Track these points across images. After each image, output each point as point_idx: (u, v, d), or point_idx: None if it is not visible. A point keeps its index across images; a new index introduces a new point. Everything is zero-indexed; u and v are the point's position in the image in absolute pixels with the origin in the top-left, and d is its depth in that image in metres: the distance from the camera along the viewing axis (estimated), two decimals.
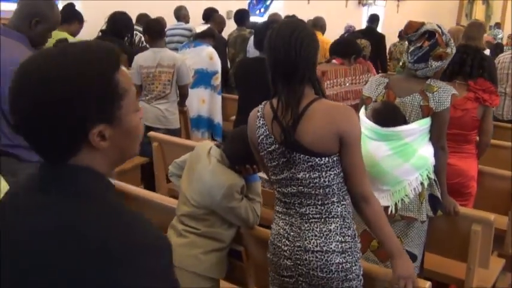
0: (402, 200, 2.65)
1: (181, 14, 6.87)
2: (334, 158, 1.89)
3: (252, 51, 6.29)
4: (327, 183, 1.90)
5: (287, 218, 2.01)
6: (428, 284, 2.05)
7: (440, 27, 2.65)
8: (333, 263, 1.91)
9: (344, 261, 1.92)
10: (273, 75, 1.93)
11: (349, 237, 1.95)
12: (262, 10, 11.26)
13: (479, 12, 15.83)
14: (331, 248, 1.91)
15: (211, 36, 5.92)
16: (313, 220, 1.95)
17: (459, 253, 2.85)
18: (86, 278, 0.94)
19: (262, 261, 2.41)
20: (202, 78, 5.56)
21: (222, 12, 7.45)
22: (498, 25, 12.63)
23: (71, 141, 1.02)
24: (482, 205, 3.23)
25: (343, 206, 1.95)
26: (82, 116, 1.00)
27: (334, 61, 4.26)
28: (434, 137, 2.65)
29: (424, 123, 2.61)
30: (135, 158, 4.38)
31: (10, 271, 1.03)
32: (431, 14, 12.69)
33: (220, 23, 6.81)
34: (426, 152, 2.66)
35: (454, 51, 2.69)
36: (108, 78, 1.02)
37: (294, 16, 7.54)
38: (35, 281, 0.99)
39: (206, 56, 5.57)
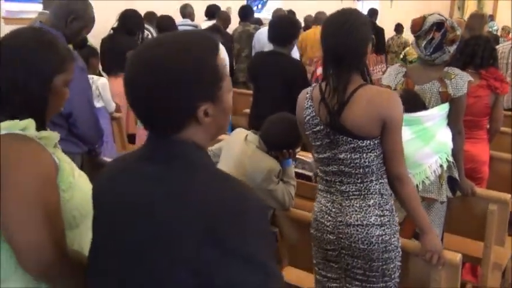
0: (423, 182, 2.80)
1: (187, 12, 7.00)
2: (376, 141, 2.03)
3: (258, 46, 6.44)
4: (366, 163, 2.05)
5: (329, 196, 2.16)
6: (458, 256, 2.20)
7: (441, 15, 2.81)
8: (373, 236, 2.06)
9: (383, 233, 2.07)
10: (324, 60, 2.08)
11: (387, 211, 2.10)
12: (259, 6, 11.42)
13: (471, 6, 16.05)
14: (370, 222, 2.06)
15: (219, 32, 6.07)
16: (353, 197, 2.10)
17: (476, 232, 3.00)
18: (198, 239, 1.08)
19: (296, 241, 2.57)
20: None
21: (221, 9, 7.56)
22: (492, 17, 12.82)
23: (181, 118, 1.16)
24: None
25: (381, 184, 2.09)
26: (192, 95, 1.14)
27: None
28: (452, 122, 2.80)
29: (443, 109, 2.76)
30: None
31: (116, 230, 1.19)
32: (424, 8, 12.81)
33: (226, 20, 6.94)
34: (445, 136, 2.81)
35: (460, 31, 2.85)
36: (212, 62, 1.17)
37: (291, 12, 7.74)
38: (142, 241, 1.14)
39: None
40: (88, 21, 2.95)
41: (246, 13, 6.97)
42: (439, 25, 2.75)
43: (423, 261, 2.22)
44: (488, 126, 3.51)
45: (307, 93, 2.18)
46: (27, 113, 1.43)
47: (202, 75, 1.15)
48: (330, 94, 2.04)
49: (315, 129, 2.12)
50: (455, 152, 2.86)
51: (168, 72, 1.12)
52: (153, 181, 1.15)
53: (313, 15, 8.04)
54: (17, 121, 1.39)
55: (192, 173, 1.16)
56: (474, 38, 3.61)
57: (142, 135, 5.23)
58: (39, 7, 6.97)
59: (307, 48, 7.10)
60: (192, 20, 7.03)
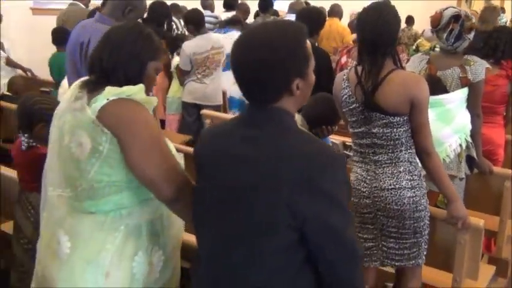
0: (444, 160, 3.07)
1: (207, 3, 7.28)
2: (405, 118, 2.32)
3: None
4: (397, 136, 2.34)
5: (363, 166, 2.45)
6: (482, 221, 2.48)
7: (455, 7, 3.09)
8: (405, 197, 2.35)
9: (414, 195, 2.37)
10: (360, 47, 2.36)
11: (416, 176, 2.39)
12: None
13: (478, 4, 16.19)
14: (402, 185, 2.35)
15: (240, 23, 6.35)
16: (385, 165, 2.39)
17: (492, 207, 3.27)
18: (295, 186, 1.38)
19: None
20: None
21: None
22: (502, 10, 13.00)
23: (279, 91, 1.45)
24: None
25: (410, 153, 2.38)
26: (290, 72, 1.44)
27: None
28: (471, 105, 3.08)
29: (463, 93, 3.03)
30: (183, 136, 4.81)
31: (219, 181, 1.49)
32: (432, 1, 13.03)
33: (246, 11, 7.21)
34: (464, 118, 3.08)
35: (475, 19, 3.12)
36: (304, 44, 1.47)
37: (301, 4, 7.96)
38: (245, 189, 1.43)
39: None
40: (142, 12, 3.23)
41: (266, 5, 7.23)
42: (456, 17, 3.02)
43: (449, 227, 2.51)
44: (504, 113, 3.77)
45: (344, 76, 2.47)
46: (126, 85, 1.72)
47: (298, 55, 1.44)
48: (365, 77, 2.32)
49: (351, 107, 2.41)
50: (473, 133, 3.14)
51: (272, 53, 1.41)
52: (255, 141, 1.45)
53: (324, 7, 8.27)
54: (130, 86, 1.70)
55: (288, 134, 1.46)
56: (497, 31, 3.86)
57: (171, 120, 5.53)
58: None
59: (323, 39, 7.35)
60: (212, 11, 7.31)
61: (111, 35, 1.79)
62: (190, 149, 2.40)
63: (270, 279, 1.46)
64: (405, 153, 2.37)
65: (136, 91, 1.71)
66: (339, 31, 7.18)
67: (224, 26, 6.28)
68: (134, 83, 1.74)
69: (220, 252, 1.53)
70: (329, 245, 1.43)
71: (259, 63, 1.42)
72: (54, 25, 6.14)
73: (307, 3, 7.65)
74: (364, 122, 2.39)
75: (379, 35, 2.28)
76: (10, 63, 5.44)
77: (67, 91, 1.89)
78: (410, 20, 10.12)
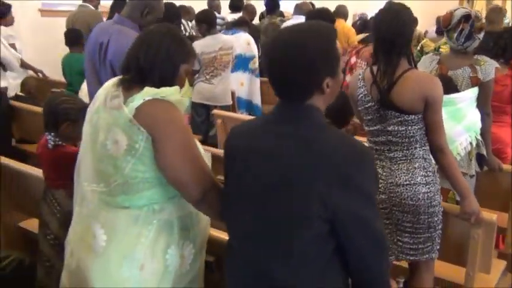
0: (455, 157, 3.14)
1: (214, 5, 7.36)
2: (419, 116, 2.39)
3: None
4: (411, 134, 2.42)
5: (379, 162, 2.52)
6: (494, 216, 2.56)
7: (465, 8, 3.16)
8: (419, 193, 2.43)
9: (428, 191, 2.44)
10: (375, 46, 2.44)
11: (430, 172, 2.47)
12: None
13: (479, 4, 16.27)
14: (417, 181, 2.43)
15: (247, 24, 6.43)
16: (400, 162, 2.46)
17: (502, 205, 3.35)
18: (329, 180, 1.45)
19: None
20: (241, 62, 6.06)
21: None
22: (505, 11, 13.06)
23: (311, 89, 1.53)
24: None
25: (424, 150, 2.46)
26: (322, 71, 1.52)
27: None
28: (481, 104, 3.15)
29: (473, 92, 3.11)
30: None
31: (252, 177, 1.56)
32: (434, 3, 13.13)
33: (252, 12, 7.29)
34: (474, 116, 3.16)
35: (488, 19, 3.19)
36: (335, 45, 1.55)
37: (308, 5, 8.04)
38: (279, 184, 1.51)
39: (244, 42, 6.07)
40: (160, 14, 3.30)
41: (273, 6, 7.32)
42: (466, 17, 3.09)
43: (462, 222, 2.58)
44: None
45: (360, 75, 2.55)
46: (161, 86, 1.80)
47: (329, 55, 1.52)
48: (381, 76, 2.40)
49: (366, 106, 2.49)
50: (483, 131, 3.21)
51: (306, 53, 1.49)
52: (289, 137, 1.53)
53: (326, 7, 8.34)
54: (166, 88, 1.78)
55: (319, 130, 1.54)
56: (507, 32, 3.94)
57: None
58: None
59: None
60: (219, 12, 7.39)
61: (148, 37, 1.87)
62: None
63: (300, 271, 1.53)
64: (420, 150, 2.45)
65: (171, 92, 1.78)
66: (345, 32, 7.24)
67: (231, 27, 6.35)
68: (167, 84, 1.81)
69: (252, 245, 1.60)
70: (359, 236, 1.51)
71: (293, 62, 1.50)
72: (62, 26, 6.22)
73: (312, 5, 7.74)
74: (380, 120, 2.46)
75: (395, 34, 2.36)
76: (23, 64, 5.52)
77: (100, 90, 1.95)
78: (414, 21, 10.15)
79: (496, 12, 5.35)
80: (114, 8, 5.24)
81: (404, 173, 2.44)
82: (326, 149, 1.48)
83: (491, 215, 2.58)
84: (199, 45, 5.19)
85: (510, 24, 9.69)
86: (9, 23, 5.06)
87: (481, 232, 2.57)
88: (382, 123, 2.47)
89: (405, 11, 2.42)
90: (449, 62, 3.17)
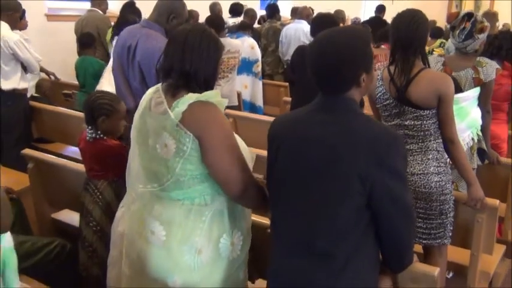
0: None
1: (216, 9, 7.61)
2: (433, 111, 2.66)
3: (285, 41, 7.07)
4: (426, 128, 2.68)
5: None
6: (497, 201, 2.83)
7: (472, 10, 3.42)
8: (432, 181, 2.69)
9: (440, 179, 2.71)
10: (392, 48, 2.70)
11: (443, 163, 2.74)
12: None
13: (468, 5, 16.74)
14: (430, 171, 2.69)
15: (250, 28, 6.68)
16: (415, 153, 2.72)
17: (500, 195, 3.59)
18: (367, 160, 1.70)
19: None
20: (245, 66, 6.30)
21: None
22: None
23: (351, 83, 1.79)
24: None
25: (437, 143, 2.73)
26: (360, 67, 1.77)
27: (383, 46, 5.02)
28: (482, 102, 3.42)
29: (475, 91, 3.37)
30: None
31: (301, 161, 1.80)
32: (423, 6, 13.43)
33: (253, 17, 7.54)
34: (476, 114, 3.42)
35: (490, 24, 3.44)
36: (370, 45, 1.81)
37: (308, 9, 8.31)
38: (326, 165, 1.76)
39: (248, 46, 6.32)
40: (184, 19, 3.53)
41: (273, 11, 7.60)
42: (469, 15, 3.34)
43: (468, 208, 2.84)
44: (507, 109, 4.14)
45: (378, 76, 2.80)
46: (205, 88, 1.95)
47: (367, 53, 1.78)
48: (399, 75, 2.67)
49: (385, 103, 2.75)
50: (483, 128, 3.48)
51: (348, 52, 1.75)
52: (332, 124, 1.78)
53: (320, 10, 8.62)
54: (212, 91, 1.94)
55: (358, 118, 1.80)
56: (502, 33, 4.23)
57: None
58: (80, 5, 7.61)
59: None
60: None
61: (187, 40, 1.92)
62: None
63: (340, 241, 1.78)
64: (433, 143, 2.71)
65: (213, 95, 1.92)
66: None
67: (236, 31, 6.59)
68: (211, 84, 1.97)
69: (297, 222, 1.85)
70: (391, 208, 1.76)
71: (337, 60, 1.75)
72: (68, 30, 6.44)
73: (312, 10, 8.02)
74: (397, 115, 2.72)
75: (412, 36, 2.63)
76: None
77: (144, 95, 2.10)
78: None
79: (490, 17, 5.65)
80: (124, 12, 5.51)
81: (418, 163, 2.69)
82: (364, 135, 1.74)
83: (494, 201, 2.85)
84: None
85: (499, 28, 10.12)
86: (24, 27, 5.24)
87: (484, 216, 2.84)
88: (399, 118, 2.72)
89: (421, 15, 2.69)
90: (453, 64, 3.43)
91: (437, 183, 2.70)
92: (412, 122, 2.69)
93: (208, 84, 1.95)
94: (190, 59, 1.90)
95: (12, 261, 1.52)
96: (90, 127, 2.82)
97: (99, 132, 2.79)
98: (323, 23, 4.77)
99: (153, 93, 2.02)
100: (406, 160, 1.86)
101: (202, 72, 1.92)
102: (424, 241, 2.81)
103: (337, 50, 1.76)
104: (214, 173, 1.93)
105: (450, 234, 2.82)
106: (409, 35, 2.63)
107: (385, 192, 1.73)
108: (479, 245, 2.88)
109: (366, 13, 14.08)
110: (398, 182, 1.76)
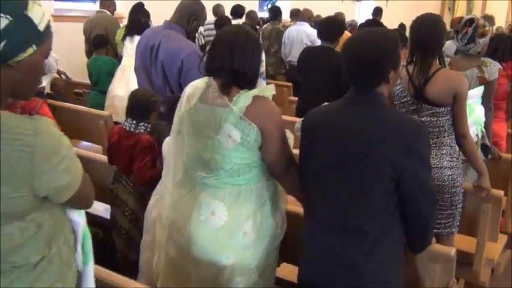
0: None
1: (219, 11, 7.80)
2: (448, 108, 2.87)
3: (287, 42, 7.27)
4: (441, 124, 2.89)
5: None
6: (502, 192, 3.04)
7: (474, 15, 3.63)
8: (445, 175, 2.90)
9: (452, 173, 2.92)
10: (412, 48, 2.92)
11: (455, 158, 2.94)
12: (269, 6, 12.31)
13: (461, 7, 17.06)
14: (443, 165, 2.89)
15: (254, 30, 6.85)
16: (431, 148, 2.91)
17: (502, 187, 3.82)
18: (397, 148, 1.91)
19: None
20: None
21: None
22: None
23: (381, 79, 1.99)
24: None
25: (451, 139, 2.93)
26: (390, 65, 1.98)
27: None
28: (486, 100, 3.63)
29: (480, 90, 3.58)
30: None
31: (338, 150, 2.01)
32: (416, 8, 13.75)
33: (254, 19, 7.74)
34: (480, 111, 3.64)
35: (490, 27, 3.65)
36: (399, 45, 2.03)
37: (298, 11, 8.51)
38: (361, 153, 1.96)
39: None
40: (204, 21, 3.72)
41: (275, 13, 7.79)
42: (471, 21, 3.54)
43: (474, 199, 3.06)
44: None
45: None
46: (250, 84, 2.13)
47: (396, 53, 1.99)
48: (417, 74, 2.87)
49: (403, 100, 2.95)
50: (486, 124, 3.70)
51: (381, 51, 1.96)
52: (365, 116, 1.99)
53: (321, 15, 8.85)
54: (263, 87, 2.16)
55: (387, 111, 2.02)
56: (498, 35, 4.46)
57: None
58: (86, 6, 7.77)
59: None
60: None
61: (234, 40, 2.08)
62: None
63: (372, 220, 1.98)
64: (447, 139, 2.92)
65: (269, 90, 2.16)
66: (343, 37, 7.74)
67: None
68: (255, 81, 2.15)
69: (332, 204, 2.05)
70: (417, 191, 1.97)
71: (371, 58, 1.96)
72: (75, 31, 6.61)
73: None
74: (414, 112, 2.92)
75: (431, 37, 2.84)
76: None
77: (190, 90, 2.26)
78: (402, 27, 10.70)
79: (487, 19, 5.89)
80: (136, 13, 5.69)
81: (433, 157, 2.89)
82: (394, 125, 1.95)
83: (499, 191, 3.07)
84: None
85: (494, 29, 10.39)
86: None
87: (490, 206, 3.05)
88: (416, 115, 2.92)
89: (439, 18, 2.92)
90: (459, 64, 3.64)
91: (450, 177, 2.91)
92: (429, 119, 2.89)
93: (253, 80, 2.14)
94: (239, 59, 2.07)
95: (90, 236, 1.69)
96: (130, 120, 3.02)
97: (141, 125, 2.99)
98: (330, 25, 5.02)
99: (204, 87, 2.18)
100: (430, 148, 2.07)
101: (249, 71, 2.10)
102: (434, 230, 3.00)
103: (371, 50, 1.97)
104: (268, 158, 2.16)
105: (458, 223, 3.02)
106: (428, 36, 2.84)
107: (412, 176, 1.94)
108: (485, 233, 3.10)
109: (360, 15, 14.35)
110: (424, 168, 1.97)
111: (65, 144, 1.41)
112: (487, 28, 3.58)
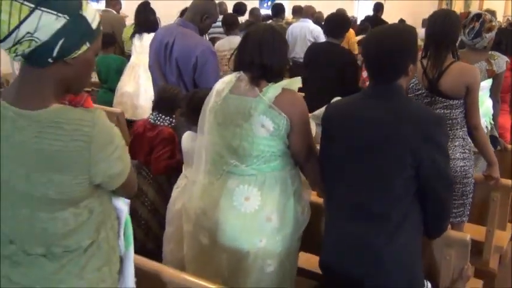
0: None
1: (222, 9, 7.87)
2: (461, 101, 2.96)
3: (291, 39, 7.33)
4: (454, 116, 2.98)
5: None
6: (510, 181, 3.14)
7: (481, 11, 3.72)
8: (457, 166, 2.99)
9: (464, 164, 3.01)
10: (427, 42, 3.01)
11: (467, 150, 3.04)
12: (268, 4, 12.47)
13: (458, 5, 17.17)
14: (456, 157, 2.99)
15: None
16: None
17: (509, 177, 3.91)
18: (417, 138, 2.00)
19: None
20: None
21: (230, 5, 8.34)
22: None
23: (401, 72, 2.08)
24: None
25: (463, 131, 3.03)
26: (409, 58, 2.08)
27: None
28: (494, 93, 3.73)
29: (488, 82, 3.67)
30: None
31: (360, 140, 2.10)
32: (414, 6, 13.91)
33: (257, 16, 7.83)
34: (489, 103, 3.73)
35: (497, 22, 3.75)
36: (417, 40, 2.12)
37: (301, 8, 8.60)
38: (382, 142, 2.05)
39: None
40: (216, 18, 3.82)
41: (278, 11, 7.88)
42: (478, 16, 3.63)
43: (483, 189, 3.15)
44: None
45: None
46: (278, 77, 2.27)
47: (414, 47, 2.09)
48: (431, 67, 2.97)
49: (417, 93, 3.04)
50: (494, 116, 3.79)
51: (400, 45, 2.06)
52: (386, 108, 2.08)
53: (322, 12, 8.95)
54: (291, 80, 2.28)
55: (406, 102, 2.12)
56: (501, 29, 4.55)
57: None
58: (93, 5, 7.80)
59: None
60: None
61: (263, 38, 2.24)
62: None
63: (394, 204, 2.08)
64: (460, 131, 3.01)
65: (296, 82, 2.30)
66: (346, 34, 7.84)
67: (244, 29, 6.85)
68: (281, 75, 2.29)
69: (354, 190, 2.14)
70: (435, 178, 2.06)
71: (392, 52, 2.05)
72: None
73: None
74: (428, 104, 3.00)
75: (445, 32, 2.93)
76: None
77: (221, 83, 2.38)
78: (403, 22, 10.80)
79: (490, 14, 6.00)
80: (144, 12, 5.76)
81: None
82: (414, 116, 2.04)
83: (507, 181, 3.16)
84: (216, 45, 5.71)
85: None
86: None
87: (499, 195, 3.15)
88: (430, 107, 2.98)
89: (454, 14, 3.02)
90: (467, 58, 3.71)
91: (462, 168, 3.00)
92: (442, 111, 2.97)
93: (280, 74, 2.29)
94: (267, 54, 2.21)
95: (130, 222, 1.78)
96: (156, 113, 3.16)
97: (166, 118, 3.12)
98: (337, 22, 5.10)
99: (234, 81, 2.32)
100: (448, 137, 2.16)
101: (276, 65, 2.24)
102: None
103: (392, 44, 2.06)
104: (294, 146, 2.29)
105: (468, 213, 3.12)
106: (442, 31, 2.93)
107: (431, 165, 2.03)
108: (494, 222, 3.19)
109: (359, 12, 14.45)
110: (442, 156, 2.06)
111: (117, 134, 1.50)
112: (493, 23, 3.67)
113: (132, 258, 1.74)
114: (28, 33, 1.33)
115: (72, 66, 1.44)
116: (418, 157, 2.01)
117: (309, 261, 2.74)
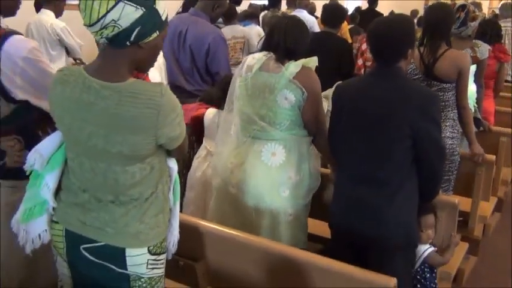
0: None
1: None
2: (453, 84, 3.33)
3: None
4: (446, 99, 3.34)
5: None
6: (494, 157, 3.51)
7: (466, 1, 4.08)
8: (446, 144, 3.33)
9: (452, 143, 3.38)
10: (423, 32, 3.38)
11: (456, 130, 3.42)
12: None
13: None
14: (446, 135, 3.35)
15: (256, 17, 7.24)
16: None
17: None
18: (414, 112, 2.34)
19: None
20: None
21: None
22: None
23: (402, 56, 2.42)
24: None
25: (454, 113, 3.40)
26: (409, 43, 2.42)
27: None
28: (477, 77, 4.09)
29: (474, 68, 4.03)
30: None
31: (365, 114, 2.44)
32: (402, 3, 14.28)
33: (256, 8, 8.11)
34: (473, 88, 4.09)
35: (481, 14, 4.10)
36: (414, 26, 2.46)
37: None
38: (384, 116, 2.39)
39: (255, 33, 6.86)
40: (225, 8, 4.13)
41: (275, 1, 8.14)
42: (463, 7, 3.94)
43: (470, 163, 3.52)
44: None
45: None
46: (300, 57, 2.63)
47: (413, 33, 2.43)
48: (427, 54, 3.33)
49: (414, 78, 3.40)
50: (477, 100, 4.16)
51: (401, 31, 2.40)
52: (389, 87, 2.42)
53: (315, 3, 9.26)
54: (308, 59, 2.64)
55: (406, 83, 2.47)
56: (486, 21, 4.93)
57: None
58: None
59: None
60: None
61: (287, 25, 2.64)
62: None
63: (393, 171, 2.42)
64: (451, 113, 3.39)
65: (313, 61, 2.66)
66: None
67: (243, 19, 7.11)
68: (302, 57, 2.65)
69: (359, 158, 2.48)
70: (429, 148, 2.40)
71: (393, 38, 2.40)
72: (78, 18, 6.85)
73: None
74: None
75: (440, 22, 3.31)
76: None
77: (251, 61, 2.73)
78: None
79: (476, 6, 6.36)
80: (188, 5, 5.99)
81: None
82: (413, 93, 2.39)
83: (491, 156, 3.54)
84: None
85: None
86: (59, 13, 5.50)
87: (484, 169, 3.52)
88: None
89: (448, 5, 3.39)
90: (454, 46, 4.06)
91: (450, 146, 3.37)
92: (436, 93, 3.32)
93: (302, 56, 2.65)
94: (291, 39, 2.61)
95: (178, 180, 2.10)
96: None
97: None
98: (334, 12, 5.42)
99: (264, 59, 2.68)
100: (441, 112, 2.50)
101: (298, 48, 2.65)
102: None
103: (394, 31, 2.41)
104: (307, 117, 2.66)
105: (452, 188, 3.50)
106: (437, 21, 3.32)
107: (426, 135, 2.37)
108: (479, 193, 3.57)
109: (349, 5, 14.75)
110: (436, 128, 2.41)
111: (178, 104, 1.83)
112: (477, 13, 4.03)
113: (178, 211, 2.06)
114: (113, 20, 1.65)
115: (144, 49, 1.77)
116: (416, 129, 2.35)
117: (316, 226, 3.08)
